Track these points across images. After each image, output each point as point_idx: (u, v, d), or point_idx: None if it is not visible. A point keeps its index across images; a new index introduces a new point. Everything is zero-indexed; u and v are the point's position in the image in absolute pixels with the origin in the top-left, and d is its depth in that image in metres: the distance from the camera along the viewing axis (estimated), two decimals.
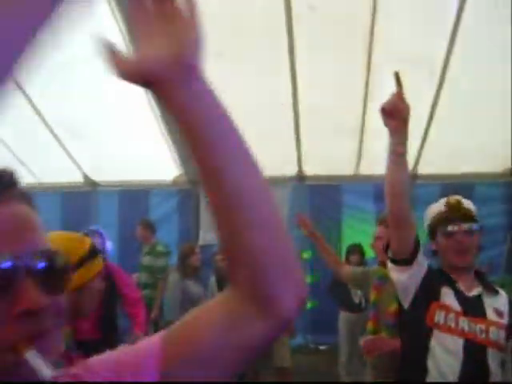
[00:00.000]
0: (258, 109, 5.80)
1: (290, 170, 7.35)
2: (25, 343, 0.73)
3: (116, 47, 0.82)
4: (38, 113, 6.33)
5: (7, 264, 0.74)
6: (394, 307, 3.20)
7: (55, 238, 1.98)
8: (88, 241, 2.08)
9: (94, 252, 2.08)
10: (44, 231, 0.83)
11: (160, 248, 6.85)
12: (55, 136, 6.69)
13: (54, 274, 0.79)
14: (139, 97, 5.81)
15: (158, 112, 6.26)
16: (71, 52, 5.02)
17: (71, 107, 6.01)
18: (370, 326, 3.69)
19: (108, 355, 0.92)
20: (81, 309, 2.01)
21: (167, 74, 0.81)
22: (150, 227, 7.04)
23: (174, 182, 7.84)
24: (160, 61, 0.81)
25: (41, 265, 0.77)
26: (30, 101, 6.07)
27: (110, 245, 5.60)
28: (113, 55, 0.82)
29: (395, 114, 2.19)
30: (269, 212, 0.88)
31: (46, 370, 0.73)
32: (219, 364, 0.88)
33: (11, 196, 0.79)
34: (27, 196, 0.82)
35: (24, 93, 5.90)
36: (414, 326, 2.47)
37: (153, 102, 6.05)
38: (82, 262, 2.00)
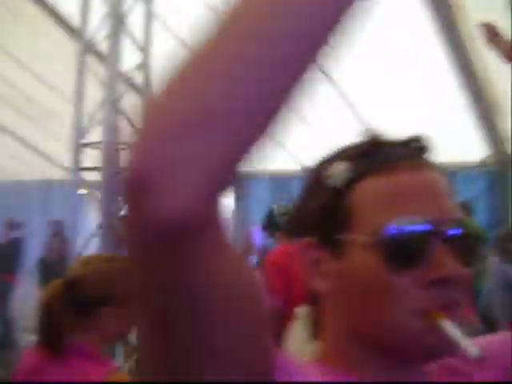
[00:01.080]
0: None
1: None
2: (438, 310, 0.71)
3: (496, 28, 0.77)
4: None
5: (425, 228, 0.73)
6: None
7: None
8: None
9: None
10: (455, 201, 0.80)
11: None
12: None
13: (468, 245, 0.77)
14: (443, 74, 5.60)
15: (465, 90, 5.95)
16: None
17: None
18: None
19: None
20: None
21: None
22: (467, 209, 6.82)
23: (482, 163, 7.42)
24: None
25: (457, 233, 0.75)
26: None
27: None
28: (494, 36, 0.76)
29: None
30: None
31: (465, 342, 0.67)
32: None
33: (426, 162, 0.79)
34: (437, 165, 0.81)
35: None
36: None
37: (460, 78, 5.76)
38: None
